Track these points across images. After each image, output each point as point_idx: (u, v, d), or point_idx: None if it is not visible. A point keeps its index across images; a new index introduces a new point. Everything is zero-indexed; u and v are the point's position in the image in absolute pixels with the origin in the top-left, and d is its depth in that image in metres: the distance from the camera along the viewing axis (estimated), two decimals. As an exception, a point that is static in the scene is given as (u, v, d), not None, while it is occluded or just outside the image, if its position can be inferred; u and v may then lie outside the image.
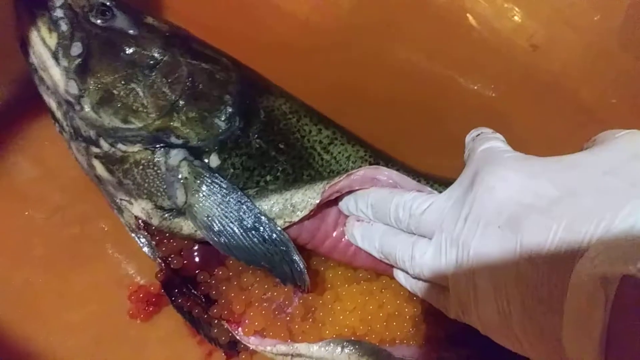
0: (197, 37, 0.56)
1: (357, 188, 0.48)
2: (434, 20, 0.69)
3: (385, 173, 0.48)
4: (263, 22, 0.66)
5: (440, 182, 0.56)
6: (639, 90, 0.66)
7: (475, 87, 0.68)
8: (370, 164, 0.55)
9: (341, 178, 0.47)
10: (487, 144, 0.42)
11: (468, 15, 0.69)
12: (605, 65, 0.68)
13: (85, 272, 0.54)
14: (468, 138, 0.45)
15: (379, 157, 0.56)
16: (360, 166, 0.54)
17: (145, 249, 0.52)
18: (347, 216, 0.50)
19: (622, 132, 0.38)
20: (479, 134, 0.44)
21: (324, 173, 0.53)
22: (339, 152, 0.54)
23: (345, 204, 0.49)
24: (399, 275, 0.48)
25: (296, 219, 0.47)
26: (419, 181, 0.54)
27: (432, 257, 0.41)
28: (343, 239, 0.49)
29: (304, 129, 0.53)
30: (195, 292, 0.50)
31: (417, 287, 0.45)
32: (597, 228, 0.31)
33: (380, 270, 0.50)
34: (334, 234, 0.50)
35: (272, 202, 0.48)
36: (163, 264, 0.50)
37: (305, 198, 0.48)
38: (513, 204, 0.35)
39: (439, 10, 0.68)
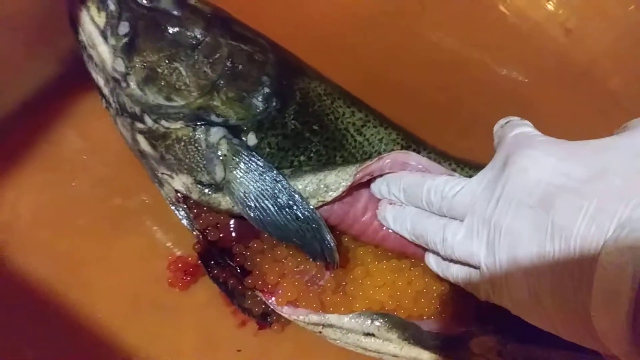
0: (237, 19, 0.58)
1: (387, 171, 0.50)
2: (466, 5, 0.70)
3: (414, 158, 0.50)
4: (295, 8, 0.68)
5: (470, 165, 0.57)
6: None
7: (506, 73, 0.69)
8: (402, 146, 0.56)
9: (373, 161, 0.49)
10: (517, 130, 0.43)
11: (500, 3, 0.70)
12: (637, 56, 0.69)
13: (127, 242, 0.57)
14: (497, 126, 0.46)
15: (411, 140, 0.57)
16: (393, 149, 0.56)
17: (184, 222, 0.55)
18: (376, 202, 0.51)
19: None
20: (507, 122, 0.45)
21: (357, 154, 0.54)
22: (372, 134, 0.56)
23: (378, 188, 0.51)
24: (430, 261, 0.49)
25: (329, 199, 0.49)
26: (449, 165, 0.56)
27: (464, 237, 0.42)
28: (372, 224, 0.51)
29: (338, 110, 0.55)
30: (231, 264, 0.53)
31: (448, 272, 0.47)
32: (626, 207, 0.32)
33: (408, 254, 0.52)
34: (363, 218, 0.51)
35: (307, 181, 0.50)
36: (201, 236, 0.52)
37: (338, 179, 0.49)
38: (545, 184, 0.37)
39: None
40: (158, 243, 0.57)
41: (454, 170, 0.55)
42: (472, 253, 0.41)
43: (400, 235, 0.50)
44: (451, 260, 0.45)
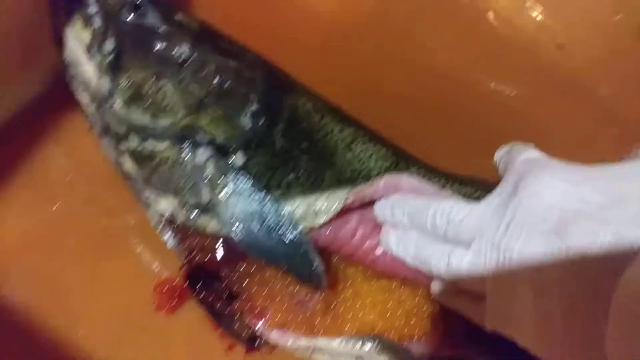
0: (225, 34, 0.57)
1: (379, 197, 0.49)
2: (457, 16, 0.69)
3: (406, 180, 0.49)
4: (285, 20, 0.67)
5: (460, 181, 0.56)
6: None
7: (497, 85, 0.68)
8: (392, 162, 0.55)
9: (365, 186, 0.48)
10: (526, 155, 0.42)
11: (490, 12, 0.69)
12: (626, 64, 0.68)
13: (111, 264, 0.56)
14: (501, 153, 0.46)
15: (401, 156, 0.56)
16: (382, 165, 0.55)
17: (170, 244, 0.53)
18: (367, 224, 0.50)
19: None
20: (512, 147, 0.44)
21: (346, 172, 0.53)
22: (361, 151, 0.55)
23: (382, 212, 0.49)
24: (436, 289, 0.48)
25: (318, 223, 0.48)
26: (439, 181, 0.55)
27: (471, 263, 0.41)
28: (362, 246, 0.50)
29: (327, 127, 0.54)
30: (218, 287, 0.51)
31: (453, 302, 0.46)
32: None
33: (399, 278, 0.51)
34: (353, 240, 0.50)
35: (296, 204, 0.49)
36: (187, 259, 0.51)
37: (328, 203, 0.48)
38: (559, 209, 0.36)
39: (463, 6, 0.69)
40: (144, 265, 0.56)
41: (444, 186, 0.54)
42: (479, 279, 0.40)
43: (400, 261, 0.48)
44: (456, 288, 0.44)
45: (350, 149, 0.54)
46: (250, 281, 0.50)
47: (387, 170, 0.55)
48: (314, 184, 0.51)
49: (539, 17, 0.69)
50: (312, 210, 0.48)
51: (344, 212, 0.49)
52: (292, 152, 0.51)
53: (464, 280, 0.41)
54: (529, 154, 0.42)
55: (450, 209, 0.43)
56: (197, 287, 0.52)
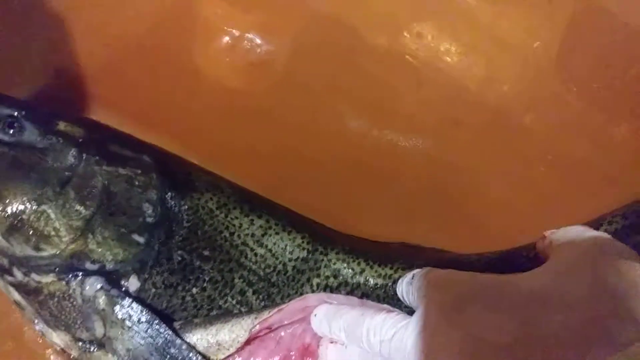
0: (116, 133, 0.54)
1: (287, 322, 0.46)
2: (368, 76, 0.66)
3: (313, 300, 0.46)
4: (193, 98, 0.64)
5: (380, 261, 0.53)
6: (588, 117, 0.64)
7: (416, 143, 0.65)
8: (308, 251, 0.53)
9: (270, 314, 0.45)
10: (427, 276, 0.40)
11: (407, 57, 0.66)
12: (546, 89, 0.66)
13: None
14: (405, 281, 0.44)
15: (318, 242, 0.53)
16: (298, 256, 0.52)
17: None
18: (286, 346, 0.47)
19: (582, 235, 0.36)
20: (414, 275, 0.43)
21: (259, 271, 0.51)
22: (274, 243, 0.52)
23: (319, 327, 0.46)
24: None
25: (221, 358, 0.45)
26: (359, 265, 0.53)
27: None
28: None
29: (233, 223, 0.51)
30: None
31: None
32: None
33: None
34: None
35: (196, 338, 0.46)
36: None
37: (232, 335, 0.46)
38: (473, 340, 0.34)
39: (372, 63, 0.65)
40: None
41: (363, 270, 0.52)
42: None
43: None
44: None
45: (262, 243, 0.52)
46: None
47: (304, 261, 0.52)
48: (216, 305, 0.48)
49: (457, 59, 0.67)
50: (215, 343, 0.45)
51: (255, 338, 0.46)
52: (193, 264, 0.48)
53: None
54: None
55: (382, 325, 0.41)
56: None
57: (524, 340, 0.32)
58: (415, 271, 0.43)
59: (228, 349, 0.45)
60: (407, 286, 0.43)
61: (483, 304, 0.35)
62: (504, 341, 0.32)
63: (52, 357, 0.54)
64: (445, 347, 0.34)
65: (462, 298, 0.36)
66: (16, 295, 0.47)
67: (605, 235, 0.36)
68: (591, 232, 0.36)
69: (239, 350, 0.45)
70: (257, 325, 0.45)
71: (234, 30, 0.63)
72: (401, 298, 0.46)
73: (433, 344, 0.35)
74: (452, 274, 0.39)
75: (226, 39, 0.64)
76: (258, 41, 0.64)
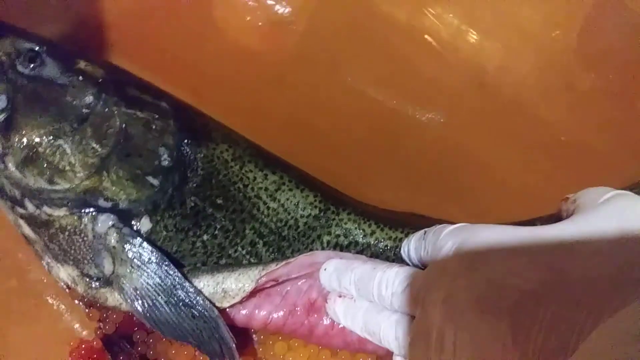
0: (136, 78, 0.53)
1: (294, 276, 0.46)
2: (385, 48, 0.66)
3: (321, 256, 0.46)
4: (211, 55, 0.63)
5: (391, 224, 0.53)
6: (601, 107, 0.64)
7: (429, 116, 0.65)
8: (321, 209, 0.52)
9: (278, 266, 0.45)
10: (449, 228, 0.40)
11: (426, 36, 0.66)
12: (566, 83, 0.66)
13: (25, 327, 0.52)
14: (415, 238, 0.44)
15: (330, 201, 0.53)
16: (310, 213, 0.52)
17: (82, 307, 0.50)
18: (291, 301, 0.47)
19: (605, 194, 0.36)
20: (426, 231, 0.43)
21: (271, 224, 0.51)
22: (287, 199, 0.52)
23: (328, 281, 0.46)
24: None
25: (226, 305, 0.45)
26: (369, 226, 0.53)
27: (415, 333, 0.38)
28: (290, 324, 0.47)
29: (248, 176, 0.51)
30: (134, 350, 0.49)
31: None
32: (587, 320, 0.30)
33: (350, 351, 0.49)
34: (276, 318, 0.46)
35: (202, 283, 0.46)
36: (99, 323, 0.48)
37: (238, 284, 0.45)
38: (494, 285, 0.33)
39: (391, 36, 0.65)
40: (59, 327, 0.52)
41: (374, 232, 0.53)
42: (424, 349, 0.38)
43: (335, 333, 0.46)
44: None
45: (275, 198, 0.52)
46: (166, 345, 0.48)
47: (315, 219, 0.52)
48: (225, 254, 0.48)
49: (476, 40, 0.66)
50: (220, 290, 0.45)
51: (261, 290, 0.46)
52: (205, 211, 0.48)
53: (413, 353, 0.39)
54: (452, 226, 0.40)
55: (395, 277, 0.41)
56: (115, 351, 0.49)
57: (551, 286, 0.31)
58: (426, 229, 0.43)
59: (233, 297, 0.45)
60: (417, 242, 0.43)
61: (506, 251, 0.34)
62: (529, 287, 0.32)
63: (54, 298, 0.54)
64: (465, 291, 0.34)
65: (483, 246, 0.35)
66: (26, 229, 0.47)
67: (628, 192, 0.36)
68: (614, 191, 0.36)
69: (244, 301, 0.45)
70: (264, 277, 0.44)
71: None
72: (406, 258, 0.45)
73: (453, 289, 0.35)
74: (469, 226, 0.39)
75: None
76: (281, 1, 0.64)
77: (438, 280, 0.37)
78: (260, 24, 0.64)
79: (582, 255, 0.32)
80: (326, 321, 0.46)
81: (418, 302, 0.38)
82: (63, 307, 0.53)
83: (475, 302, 0.34)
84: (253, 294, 0.46)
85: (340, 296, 0.46)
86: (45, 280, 0.54)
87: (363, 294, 0.44)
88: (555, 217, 0.41)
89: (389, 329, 0.41)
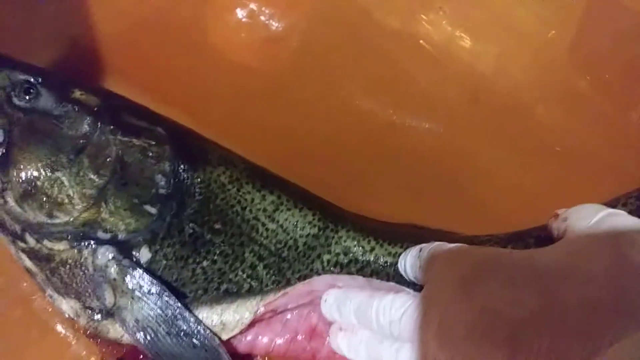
0: (131, 104, 0.54)
1: (293, 306, 0.46)
2: (379, 59, 0.66)
3: (320, 282, 0.46)
4: (207, 72, 0.63)
5: (390, 239, 0.53)
6: (598, 109, 0.64)
7: (426, 125, 0.65)
8: (319, 228, 0.52)
9: (276, 297, 0.45)
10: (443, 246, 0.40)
11: (421, 41, 0.66)
12: (563, 85, 0.66)
13: (31, 356, 0.53)
14: (411, 253, 0.44)
15: (329, 219, 0.53)
16: (309, 233, 0.52)
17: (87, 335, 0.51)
18: (292, 329, 0.48)
19: (596, 213, 0.36)
20: (422, 248, 0.43)
21: (270, 246, 0.51)
22: (286, 219, 0.52)
23: (329, 312, 0.47)
24: None
25: (225, 338, 0.45)
26: (368, 243, 0.53)
27: None
28: (292, 352, 0.47)
29: (245, 198, 0.51)
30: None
31: None
32: (584, 350, 0.29)
33: None
34: (278, 342, 0.47)
35: (201, 316, 0.46)
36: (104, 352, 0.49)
37: (237, 316, 0.46)
38: (490, 313, 0.33)
39: (385, 45, 0.65)
40: (66, 355, 0.53)
41: (373, 248, 0.52)
42: None
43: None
44: None
45: (273, 218, 0.52)
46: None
47: (315, 238, 0.52)
48: (226, 279, 0.48)
49: (471, 45, 0.66)
50: (220, 322, 0.46)
51: (260, 321, 0.47)
52: (204, 237, 0.48)
53: None
54: (447, 247, 0.40)
55: (391, 305, 0.41)
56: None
57: (547, 314, 0.31)
58: (423, 245, 0.43)
59: (232, 330, 0.45)
60: (413, 259, 0.43)
61: (498, 277, 0.34)
62: (522, 315, 0.32)
63: (60, 326, 0.54)
64: (460, 319, 0.34)
65: (476, 271, 0.35)
66: (27, 262, 0.47)
67: (621, 211, 0.36)
68: (606, 209, 0.36)
69: (244, 331, 0.45)
70: (262, 308, 0.45)
71: (251, 4, 0.63)
72: (403, 273, 0.46)
73: (447, 316, 0.35)
74: (464, 248, 0.39)
75: (243, 12, 0.63)
76: (274, 17, 0.64)
77: (432, 306, 0.37)
78: (254, 40, 0.64)
79: (577, 281, 0.32)
80: (328, 346, 0.46)
81: (415, 329, 0.38)
82: (70, 333, 0.54)
83: (471, 331, 0.34)
84: (253, 323, 0.46)
85: (341, 329, 0.46)
86: (50, 310, 0.54)
87: (363, 323, 0.44)
88: (546, 235, 0.41)
89: (390, 358, 0.41)
